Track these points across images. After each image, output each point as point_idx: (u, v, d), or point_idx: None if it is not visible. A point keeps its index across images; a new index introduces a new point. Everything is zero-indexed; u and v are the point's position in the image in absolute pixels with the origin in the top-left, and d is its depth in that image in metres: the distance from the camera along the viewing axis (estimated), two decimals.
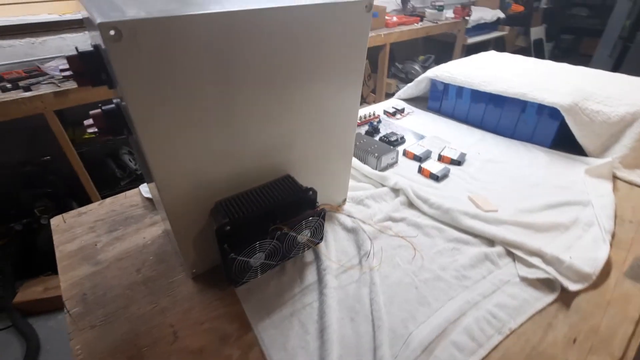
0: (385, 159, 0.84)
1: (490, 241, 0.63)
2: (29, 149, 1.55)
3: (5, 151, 1.52)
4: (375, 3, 2.31)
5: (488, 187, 0.78)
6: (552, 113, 0.89)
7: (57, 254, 0.65)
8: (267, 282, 0.56)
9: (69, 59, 0.38)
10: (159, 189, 0.44)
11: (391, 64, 2.50)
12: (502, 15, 2.98)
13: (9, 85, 1.23)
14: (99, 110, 0.43)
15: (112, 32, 0.32)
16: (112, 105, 0.44)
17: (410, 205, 0.73)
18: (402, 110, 1.17)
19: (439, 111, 1.19)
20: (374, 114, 1.13)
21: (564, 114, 0.85)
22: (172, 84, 0.38)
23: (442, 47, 2.89)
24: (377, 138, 1.00)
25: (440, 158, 0.89)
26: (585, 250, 0.60)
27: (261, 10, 0.40)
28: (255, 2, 0.42)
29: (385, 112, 1.16)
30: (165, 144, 0.41)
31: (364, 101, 2.34)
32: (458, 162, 0.87)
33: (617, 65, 2.66)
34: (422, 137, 1.01)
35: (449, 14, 2.58)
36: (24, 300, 1.37)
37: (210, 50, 0.38)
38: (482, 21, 2.83)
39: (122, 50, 0.33)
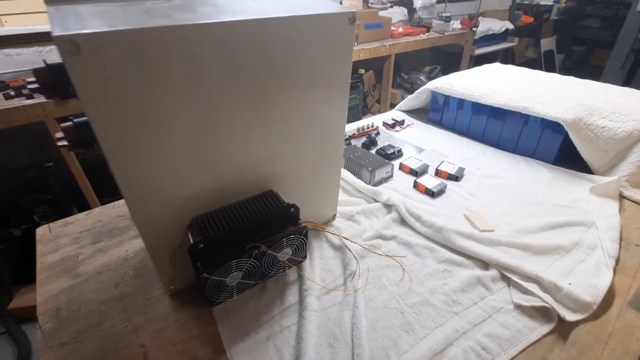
0: (379, 173, 0.81)
1: (485, 263, 0.60)
2: (31, 155, 1.57)
3: (7, 157, 1.54)
4: (381, 14, 2.31)
5: (486, 204, 0.75)
6: (556, 127, 0.85)
7: (38, 266, 0.64)
8: (246, 302, 0.54)
9: (36, 71, 0.37)
10: (129, 206, 0.42)
11: (397, 75, 2.48)
12: (511, 26, 2.95)
13: (12, 93, 1.25)
14: (70, 122, 0.42)
15: (69, 46, 0.30)
16: (85, 118, 0.43)
17: (403, 222, 0.70)
18: (401, 122, 1.15)
19: (439, 123, 1.16)
20: (372, 126, 1.11)
21: (567, 129, 0.82)
22: (138, 98, 0.36)
23: (449, 58, 2.87)
24: (373, 151, 0.98)
25: (438, 173, 0.86)
26: (587, 276, 0.57)
27: (233, 22, 0.38)
28: (230, 12, 0.41)
29: (385, 124, 1.14)
30: (133, 160, 0.39)
31: (369, 111, 2.32)
32: (456, 178, 0.84)
33: (629, 78, 2.60)
34: (421, 150, 0.99)
35: (456, 25, 2.56)
36: (20, 307, 1.37)
37: (180, 63, 0.37)
38: (491, 32, 2.80)
39: (81, 64, 0.32)
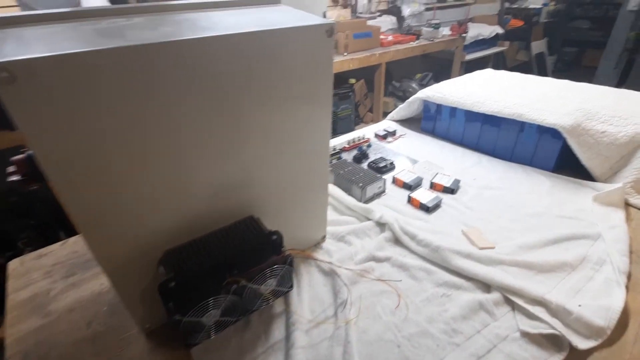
0: (371, 189, 0.77)
1: (486, 285, 0.55)
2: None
3: None
4: (370, 23, 2.31)
5: (484, 218, 0.71)
6: (553, 134, 0.82)
7: (8, 303, 0.59)
8: (228, 339, 0.49)
9: None
10: (88, 245, 0.38)
11: (388, 83, 2.47)
12: (500, 30, 2.96)
13: None
14: (22, 155, 0.38)
15: (3, 74, 0.27)
16: None
17: (397, 241, 0.66)
18: (393, 133, 1.11)
19: (433, 132, 1.13)
20: (363, 138, 1.07)
21: (565, 135, 0.78)
22: (87, 127, 0.32)
23: (441, 65, 2.87)
24: (365, 164, 0.94)
25: (432, 186, 0.82)
26: (597, 295, 0.52)
27: (196, 40, 0.35)
28: (195, 29, 0.38)
29: (376, 135, 1.11)
30: (89, 194, 0.35)
31: (361, 121, 2.30)
32: (451, 190, 0.80)
33: (623, 78, 2.59)
34: (414, 162, 0.95)
35: (445, 31, 2.56)
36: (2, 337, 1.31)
37: (135, 86, 0.33)
38: (480, 37, 2.81)
39: (17, 93, 0.28)
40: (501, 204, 0.75)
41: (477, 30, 2.80)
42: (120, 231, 0.40)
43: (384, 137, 1.09)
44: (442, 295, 0.54)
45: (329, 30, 0.44)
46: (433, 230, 0.67)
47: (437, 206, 0.75)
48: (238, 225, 0.49)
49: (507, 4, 3.47)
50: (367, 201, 0.77)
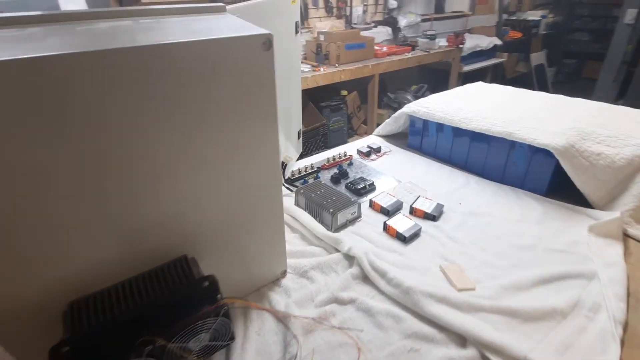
0: (342, 216, 0.70)
1: (462, 339, 0.47)
2: None
3: None
4: (365, 34, 2.27)
5: (467, 251, 0.64)
6: (546, 154, 0.74)
7: None
8: None
9: None
10: None
11: (384, 94, 2.42)
12: (499, 42, 2.92)
13: None
14: None
15: None
16: None
17: (366, 279, 0.58)
18: (378, 150, 1.05)
19: (420, 149, 1.06)
20: (345, 155, 1.00)
21: (558, 157, 0.71)
22: None
23: (437, 76, 2.82)
24: (343, 185, 0.87)
25: (413, 211, 0.75)
26: (590, 352, 0.45)
27: (102, 52, 0.28)
28: (107, 39, 0.31)
29: (359, 152, 1.04)
30: None
31: (355, 133, 2.24)
32: (433, 217, 0.72)
33: (622, 91, 2.52)
34: (397, 182, 0.88)
35: (442, 42, 2.51)
36: None
37: (27, 103, 0.27)
38: (478, 48, 2.76)
39: None
40: (487, 234, 0.68)
41: (475, 42, 2.75)
42: (10, 280, 0.33)
43: (366, 155, 1.02)
44: (410, 350, 0.46)
45: (267, 42, 0.37)
46: (407, 265, 0.60)
47: (415, 235, 0.68)
48: (165, 268, 0.42)
49: (505, 16, 3.44)
50: (338, 229, 0.70)
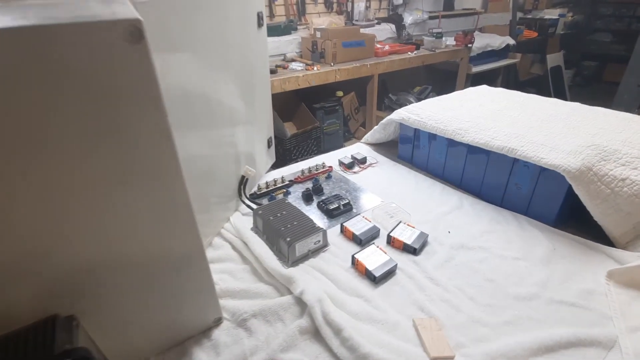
0: (303, 246, 0.58)
1: None
2: None
3: None
4: (367, 31, 2.13)
5: (450, 298, 0.51)
6: (557, 176, 0.61)
7: None
8: None
9: None
10: None
11: (385, 96, 2.28)
12: (512, 41, 2.73)
13: None
14: None
15: None
16: None
17: (317, 334, 0.46)
18: (362, 161, 0.92)
19: (411, 162, 0.93)
20: (324, 166, 0.88)
21: (571, 182, 0.58)
22: None
23: (444, 77, 2.65)
24: (314, 204, 0.75)
25: (390, 241, 0.62)
26: None
27: None
28: None
29: (340, 164, 0.91)
30: None
31: (352, 136, 2.10)
32: (413, 250, 0.60)
33: None
34: (378, 203, 0.75)
35: (450, 41, 2.35)
36: None
37: None
38: (489, 48, 2.59)
39: None
40: (478, 277, 0.55)
41: (486, 41, 2.58)
42: None
43: (348, 167, 0.90)
44: None
45: (134, 31, 0.25)
46: (372, 317, 0.47)
47: (389, 274, 0.56)
48: (14, 337, 0.31)
49: (520, 14, 3.24)
50: (296, 262, 0.58)
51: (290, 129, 1.68)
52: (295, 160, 1.37)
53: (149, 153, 0.31)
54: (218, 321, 0.48)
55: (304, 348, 0.45)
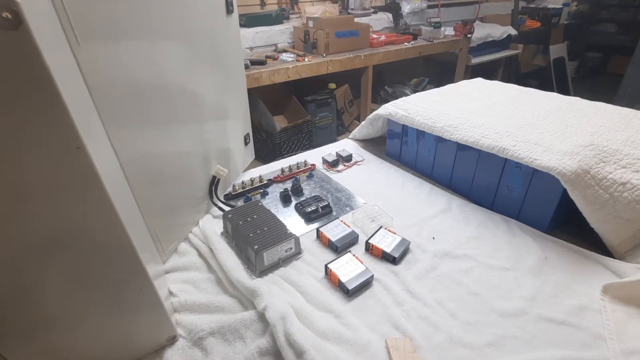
0: (272, 254, 0.53)
1: None
2: None
3: None
4: (362, 20, 2.05)
5: (429, 315, 0.46)
6: (550, 179, 0.56)
7: None
8: None
9: None
10: None
11: (380, 88, 2.21)
12: (513, 32, 2.65)
13: None
14: None
15: None
16: None
17: (278, 356, 0.42)
18: (347, 159, 0.87)
19: (399, 159, 0.88)
20: (306, 164, 0.83)
21: (566, 186, 0.53)
22: None
23: (443, 69, 2.58)
24: (292, 205, 0.71)
25: (369, 248, 0.58)
26: None
27: None
28: None
29: (324, 162, 0.86)
30: None
31: (346, 130, 2.04)
32: (393, 259, 0.55)
33: None
34: (359, 205, 0.70)
35: (449, 31, 2.28)
36: None
37: None
38: (490, 39, 2.50)
39: None
40: (461, 289, 0.50)
41: (486, 31, 2.50)
42: None
43: (332, 165, 0.85)
44: None
45: (11, 15, 0.20)
46: (341, 336, 0.43)
47: (364, 286, 0.51)
48: None
49: (522, 3, 3.14)
50: (264, 272, 0.53)
51: (280, 123, 1.63)
52: (286, 156, 1.33)
53: (51, 167, 0.26)
54: (172, 340, 0.44)
55: None
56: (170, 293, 0.51)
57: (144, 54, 0.45)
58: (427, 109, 0.76)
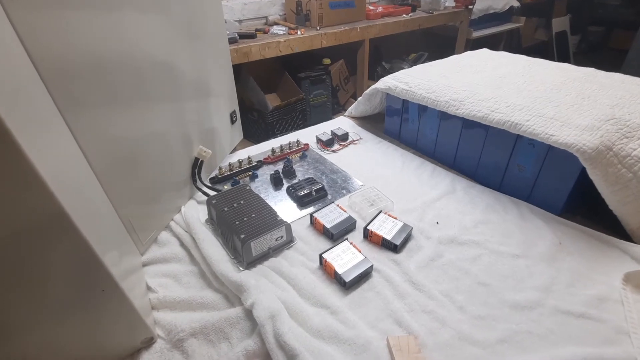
0: (261, 244, 0.48)
1: None
2: None
3: None
4: None
5: (434, 308, 0.42)
6: (568, 156, 0.50)
7: None
8: None
9: None
10: None
11: (378, 63, 2.11)
12: (516, 4, 2.53)
13: None
14: None
15: None
16: None
17: (267, 358, 0.37)
18: (343, 137, 0.81)
19: (398, 138, 0.82)
20: (298, 144, 0.77)
21: (585, 164, 0.48)
22: None
23: (443, 42, 2.47)
24: (283, 188, 0.65)
25: (368, 235, 0.53)
26: None
27: None
28: None
29: (318, 141, 0.80)
30: None
31: (342, 108, 1.96)
32: (394, 247, 0.50)
33: None
34: (358, 188, 0.65)
35: (449, 2, 2.16)
36: None
37: None
38: (492, 11, 2.39)
39: None
40: (469, 280, 0.46)
41: (488, 3, 2.38)
42: None
43: (327, 144, 0.79)
44: None
45: None
46: (337, 334, 0.39)
47: (363, 277, 0.46)
48: None
49: None
50: (252, 263, 0.48)
51: (272, 101, 1.54)
52: (278, 136, 1.26)
53: None
54: (149, 341, 0.39)
55: None
56: (149, 288, 0.46)
57: (105, 22, 0.38)
58: (430, 82, 0.70)
